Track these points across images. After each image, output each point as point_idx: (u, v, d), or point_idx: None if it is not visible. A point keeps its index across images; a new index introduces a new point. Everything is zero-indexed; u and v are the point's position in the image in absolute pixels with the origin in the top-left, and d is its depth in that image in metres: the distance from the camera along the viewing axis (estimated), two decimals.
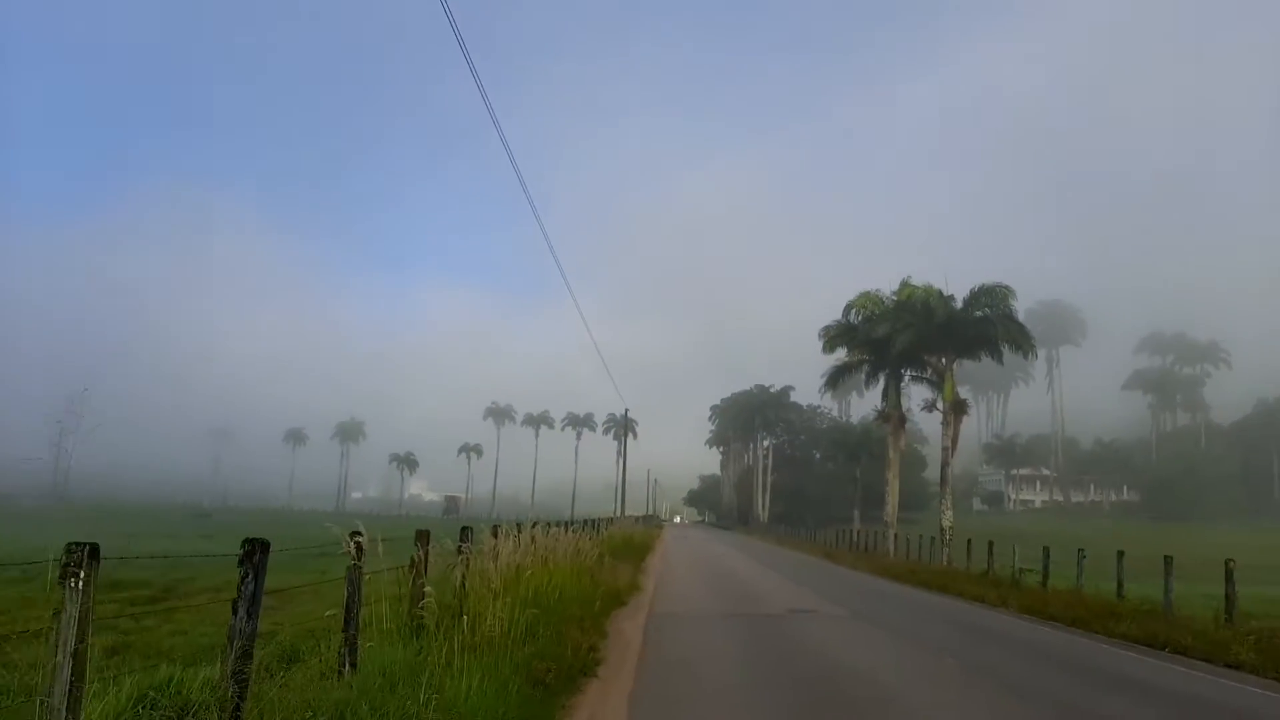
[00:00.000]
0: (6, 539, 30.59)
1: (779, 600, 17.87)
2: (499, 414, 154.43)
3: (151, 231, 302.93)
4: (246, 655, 4.47)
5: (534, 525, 12.52)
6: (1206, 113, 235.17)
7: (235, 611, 4.50)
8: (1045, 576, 20.56)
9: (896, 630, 13.59)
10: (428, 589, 7.64)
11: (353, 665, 6.04)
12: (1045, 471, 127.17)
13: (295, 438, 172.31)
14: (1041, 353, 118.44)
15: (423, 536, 8.02)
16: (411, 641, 6.76)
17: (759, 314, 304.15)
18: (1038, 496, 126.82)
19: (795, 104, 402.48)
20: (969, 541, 27.45)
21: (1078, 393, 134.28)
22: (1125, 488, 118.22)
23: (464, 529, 9.75)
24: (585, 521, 27.34)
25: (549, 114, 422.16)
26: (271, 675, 6.95)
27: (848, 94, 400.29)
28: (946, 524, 39.80)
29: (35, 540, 31.90)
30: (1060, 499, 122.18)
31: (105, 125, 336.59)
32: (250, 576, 4.52)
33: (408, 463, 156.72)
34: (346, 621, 6.16)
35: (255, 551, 4.56)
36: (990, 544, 24.67)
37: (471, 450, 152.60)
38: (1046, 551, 20.90)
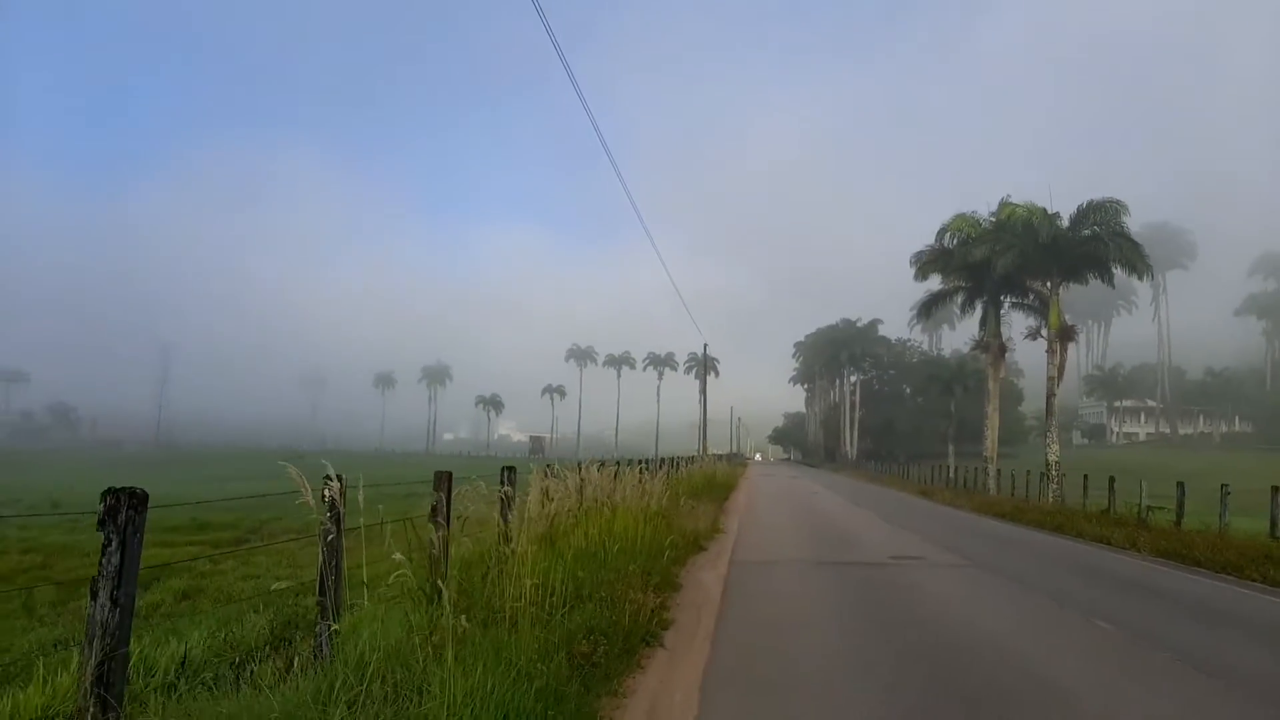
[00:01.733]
0: (98, 482, 31.03)
1: (878, 544, 16.04)
2: (580, 355, 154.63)
3: (236, 185, 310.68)
4: (115, 661, 2.96)
5: (594, 465, 10.93)
6: None
7: (93, 596, 2.99)
8: (1179, 514, 18.18)
9: (1024, 581, 11.61)
10: (442, 545, 6.12)
11: (325, 653, 4.59)
12: (1150, 403, 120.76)
13: (384, 381, 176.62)
14: (1147, 278, 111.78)
15: (443, 479, 6.49)
16: (424, 610, 5.27)
17: (845, 249, 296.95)
18: (1142, 429, 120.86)
19: (879, 31, 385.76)
20: (1085, 477, 24.98)
21: (1186, 320, 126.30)
22: (1237, 418, 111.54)
23: (505, 468, 8.22)
24: (662, 460, 25.84)
25: (626, 56, 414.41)
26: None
27: (936, 16, 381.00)
28: (1053, 458, 37.13)
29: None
30: (1167, 431, 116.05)
31: (180, 79, 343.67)
32: (114, 545, 2.98)
33: (494, 404, 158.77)
34: (320, 597, 4.70)
35: (121, 507, 3.00)
36: (1111, 479, 22.22)
37: (555, 391, 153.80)
38: (1181, 486, 18.45)
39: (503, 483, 8.02)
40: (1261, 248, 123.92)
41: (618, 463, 12.06)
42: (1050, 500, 30.19)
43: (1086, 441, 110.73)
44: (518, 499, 8.37)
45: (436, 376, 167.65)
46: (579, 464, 10.83)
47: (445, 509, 6.40)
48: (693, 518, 16.56)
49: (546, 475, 9.55)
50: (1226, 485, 16.86)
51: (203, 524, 24.60)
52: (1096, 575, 12.61)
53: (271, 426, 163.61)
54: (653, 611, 7.65)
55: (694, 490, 25.21)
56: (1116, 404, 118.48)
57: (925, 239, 45.70)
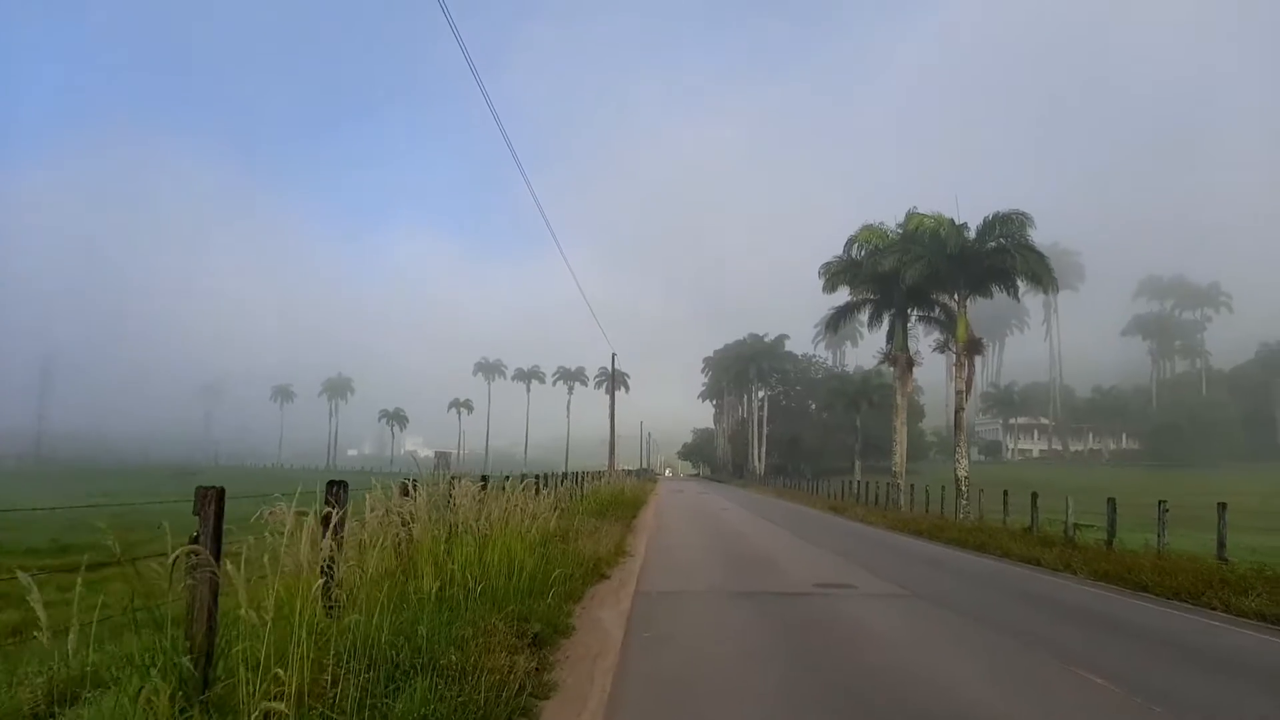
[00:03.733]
0: None
1: (801, 569, 14.40)
2: (489, 369, 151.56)
3: (127, 187, 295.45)
4: None
5: (461, 480, 8.86)
6: (1204, 45, 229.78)
7: None
8: (1111, 534, 17.14)
9: (973, 616, 10.01)
10: (201, 598, 4.07)
11: None
12: (1043, 420, 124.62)
13: (282, 394, 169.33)
14: (1038, 298, 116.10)
15: (207, 497, 4.42)
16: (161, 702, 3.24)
17: (751, 266, 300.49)
18: (1035, 446, 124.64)
19: (782, 51, 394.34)
20: (1005, 494, 24.04)
21: (1076, 340, 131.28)
22: (1124, 436, 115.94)
23: (331, 483, 6.16)
24: (564, 475, 23.85)
25: (534, 71, 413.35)
26: None
27: (839, 35, 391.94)
28: (962, 473, 36.55)
29: None
30: (1059, 448, 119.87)
31: (76, 69, 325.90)
32: None
33: (398, 419, 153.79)
34: None
35: None
36: (1034, 496, 21.20)
37: (461, 406, 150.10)
38: (1112, 504, 17.40)
39: (330, 497, 5.97)
40: (1145, 269, 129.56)
41: (484, 478, 10.02)
42: (962, 516, 29.36)
43: (984, 458, 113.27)
44: (353, 526, 6.33)
45: (338, 390, 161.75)
46: (445, 478, 8.73)
47: (212, 542, 4.34)
48: (595, 540, 14.63)
49: (405, 491, 7.51)
50: (1164, 503, 15.84)
51: (65, 546, 21.41)
52: (1049, 607, 11.16)
53: (162, 441, 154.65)
54: (526, 677, 5.69)
55: (600, 508, 23.32)
56: (1012, 421, 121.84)
57: (834, 253, 45.19)
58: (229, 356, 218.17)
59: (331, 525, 5.98)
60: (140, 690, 3.57)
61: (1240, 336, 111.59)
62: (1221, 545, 14.17)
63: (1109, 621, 10.02)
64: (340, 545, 5.94)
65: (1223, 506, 14.38)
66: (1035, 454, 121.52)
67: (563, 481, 21.79)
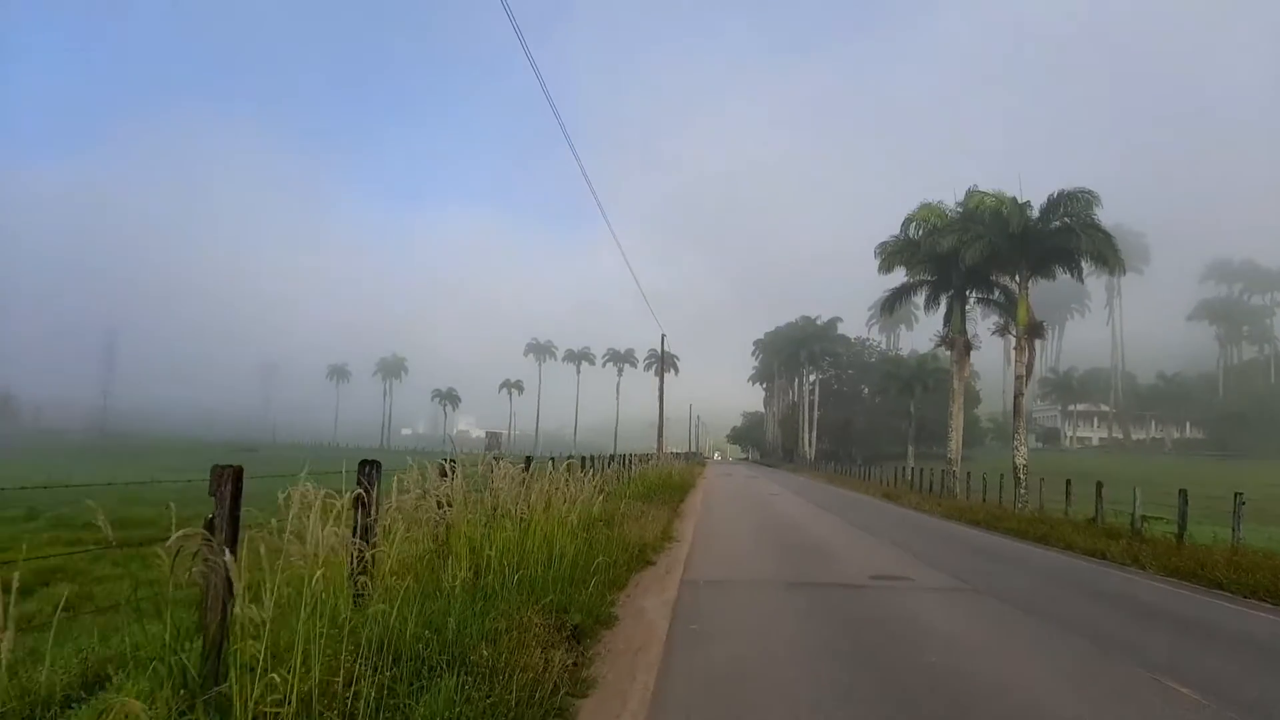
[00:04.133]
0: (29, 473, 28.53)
1: (855, 558, 13.90)
2: (540, 350, 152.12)
3: (185, 163, 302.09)
4: None
5: (500, 461, 8.51)
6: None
7: None
8: (1182, 527, 16.28)
9: (1040, 613, 9.41)
10: (215, 589, 3.78)
11: None
12: (1103, 407, 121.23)
13: (338, 374, 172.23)
14: (1101, 281, 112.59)
15: (224, 476, 4.13)
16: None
17: (808, 248, 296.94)
18: (1095, 433, 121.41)
19: (840, 32, 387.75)
20: (1067, 483, 23.15)
21: (1139, 324, 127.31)
22: (1188, 424, 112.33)
23: (364, 463, 5.87)
24: (611, 458, 23.56)
25: (587, 51, 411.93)
26: None
27: (897, 16, 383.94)
28: (1021, 461, 35.50)
29: (51, 474, 29.53)
30: (1119, 436, 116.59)
31: (131, 56, 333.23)
32: None
33: (450, 399, 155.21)
34: None
35: None
36: (1099, 485, 20.34)
37: (513, 386, 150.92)
38: (1183, 495, 16.52)
39: (359, 484, 5.68)
40: (1213, 252, 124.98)
41: (527, 459, 9.72)
42: (1020, 506, 28.45)
43: (1041, 445, 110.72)
44: (389, 508, 6.04)
45: (392, 370, 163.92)
46: (486, 458, 8.41)
47: (228, 526, 4.05)
48: (640, 525, 14.29)
49: (443, 474, 7.20)
50: (1241, 495, 14.98)
51: (122, 520, 21.74)
52: (1121, 604, 10.52)
53: (222, 417, 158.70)
54: (562, 674, 5.35)
55: (647, 491, 23.01)
56: (1070, 408, 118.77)
57: (890, 234, 44.14)
58: (288, 337, 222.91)
59: (359, 509, 5.71)
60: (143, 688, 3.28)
61: None
62: None
63: (1188, 623, 9.37)
64: (370, 530, 5.66)
65: None
66: (1095, 442, 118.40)
67: (609, 464, 21.48)
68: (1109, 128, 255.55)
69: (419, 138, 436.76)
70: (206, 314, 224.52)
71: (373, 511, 5.84)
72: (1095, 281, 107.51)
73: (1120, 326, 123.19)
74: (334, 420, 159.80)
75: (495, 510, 7.47)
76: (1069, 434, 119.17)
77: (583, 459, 15.90)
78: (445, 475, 7.18)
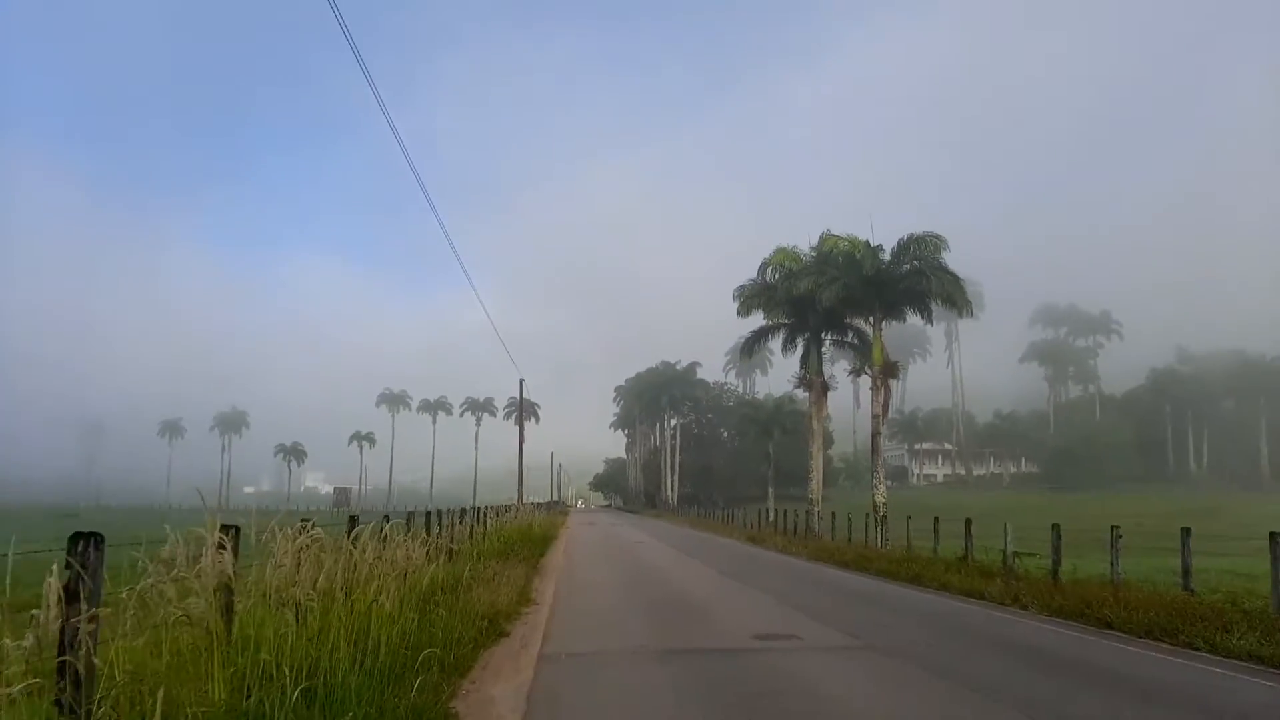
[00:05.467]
0: None
1: (733, 613, 12.60)
2: (393, 400, 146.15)
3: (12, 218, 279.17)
4: None
5: (287, 529, 6.59)
6: (1094, 91, 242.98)
7: None
8: (1057, 563, 15.92)
9: (951, 675, 8.20)
10: None
11: None
12: (947, 445, 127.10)
13: (171, 429, 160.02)
14: (940, 326, 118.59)
15: None
16: None
17: (666, 296, 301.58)
18: (939, 470, 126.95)
19: (691, 90, 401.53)
20: (935, 520, 22.82)
21: (976, 367, 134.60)
22: (1024, 460, 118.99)
23: (76, 537, 4.09)
24: (462, 511, 21.60)
25: (445, 101, 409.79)
26: None
27: (748, 76, 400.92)
28: (880, 499, 35.70)
29: None
30: (962, 472, 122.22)
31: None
32: None
33: (295, 454, 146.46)
34: None
35: None
36: (968, 522, 20.01)
37: (364, 439, 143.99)
38: (1056, 530, 16.17)
39: (69, 566, 3.90)
40: (1040, 298, 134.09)
41: (352, 519, 7.88)
42: (883, 544, 28.16)
43: (891, 483, 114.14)
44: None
45: (232, 424, 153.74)
46: (271, 525, 6.53)
47: None
48: (493, 588, 12.57)
49: (222, 546, 5.40)
50: (1117, 528, 14.66)
51: None
52: (1028, 657, 9.54)
53: (43, 481, 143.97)
54: None
55: (504, 547, 21.17)
56: (917, 446, 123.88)
57: (748, 278, 44.26)
58: (114, 393, 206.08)
59: (66, 603, 3.93)
60: None
61: (1131, 363, 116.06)
62: (1187, 574, 12.95)
63: (1111, 678, 8.45)
64: (75, 636, 3.87)
65: (1186, 532, 13.23)
66: (940, 479, 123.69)
67: (461, 518, 19.57)
68: (952, 181, 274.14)
69: (261, 180, 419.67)
70: (18, 372, 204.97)
71: (90, 605, 4.06)
72: (935, 327, 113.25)
73: (959, 369, 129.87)
74: (165, 480, 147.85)
75: (267, 597, 5.64)
76: (916, 472, 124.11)
77: (428, 514, 14.07)
78: (223, 547, 5.41)
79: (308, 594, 5.67)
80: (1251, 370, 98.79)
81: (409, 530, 12.09)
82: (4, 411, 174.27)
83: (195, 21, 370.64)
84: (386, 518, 10.20)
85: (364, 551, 7.09)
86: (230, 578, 4.97)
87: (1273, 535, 10.72)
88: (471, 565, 13.57)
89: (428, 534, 12.96)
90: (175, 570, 4.59)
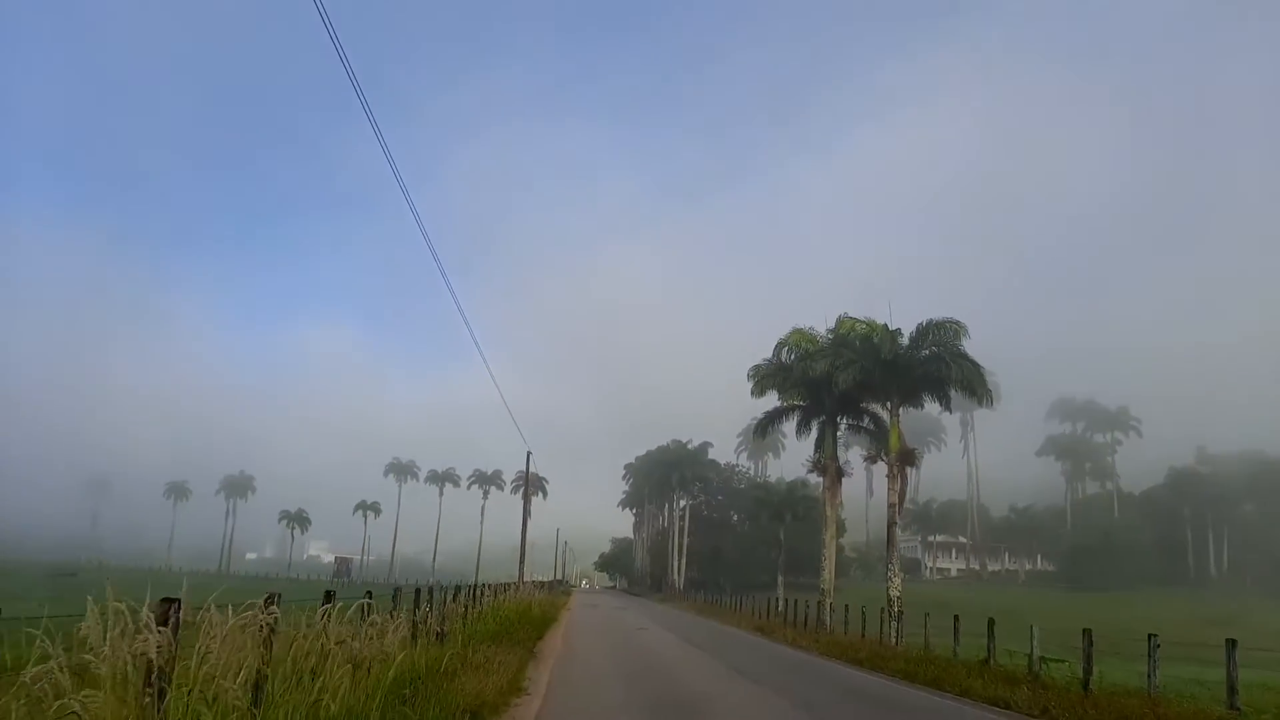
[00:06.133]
0: None
1: (740, 718, 11.61)
2: (401, 470, 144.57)
3: (23, 272, 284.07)
4: None
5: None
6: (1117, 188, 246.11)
7: None
8: (1088, 671, 14.82)
9: None
10: None
11: None
12: (961, 539, 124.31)
13: (177, 491, 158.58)
14: (955, 416, 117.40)
15: None
16: None
17: (677, 378, 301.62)
18: (953, 564, 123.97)
19: (712, 182, 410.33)
20: (955, 619, 21.62)
21: (992, 459, 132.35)
22: (1039, 556, 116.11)
23: None
24: (457, 589, 20.64)
25: (462, 181, 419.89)
26: None
27: (762, 161, 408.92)
28: (895, 593, 34.49)
29: None
30: (976, 567, 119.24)
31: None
32: None
33: (299, 520, 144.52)
34: None
35: None
36: (991, 623, 18.89)
37: (369, 508, 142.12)
38: (1088, 636, 15.09)
39: None
40: (1058, 392, 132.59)
41: (369, 597, 7.02)
42: (897, 640, 26.83)
43: (904, 575, 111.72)
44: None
45: (238, 488, 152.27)
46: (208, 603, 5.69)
47: None
48: (483, 674, 11.65)
49: (162, 623, 4.68)
50: (1155, 636, 13.63)
51: None
52: None
53: (44, 538, 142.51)
54: None
55: (500, 629, 20.16)
56: (931, 538, 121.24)
57: (763, 357, 43.77)
58: (121, 452, 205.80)
59: None
60: None
61: (1149, 461, 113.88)
62: (1233, 691, 11.87)
63: None
64: None
65: (1232, 644, 12.18)
66: (953, 573, 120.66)
67: (455, 595, 18.62)
68: (970, 271, 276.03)
69: (278, 251, 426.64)
70: (25, 425, 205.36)
71: None
72: (950, 417, 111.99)
73: (975, 460, 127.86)
74: (168, 541, 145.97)
75: (205, 694, 4.79)
76: (929, 565, 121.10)
77: (417, 591, 13.23)
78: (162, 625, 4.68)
79: (233, 693, 4.86)
80: (1272, 472, 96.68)
81: (395, 608, 11.29)
82: (9, 464, 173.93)
83: (220, 86, 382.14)
84: (369, 593, 9.44)
85: (316, 638, 6.25)
86: (161, 664, 4.23)
87: None
88: (460, 649, 12.66)
89: (416, 612, 12.11)
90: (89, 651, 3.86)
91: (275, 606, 6.20)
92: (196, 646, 4.78)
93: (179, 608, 5.12)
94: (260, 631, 5.93)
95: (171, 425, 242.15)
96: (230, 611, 5.27)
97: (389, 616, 9.21)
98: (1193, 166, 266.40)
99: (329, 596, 7.91)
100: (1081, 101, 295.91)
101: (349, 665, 6.42)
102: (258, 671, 5.20)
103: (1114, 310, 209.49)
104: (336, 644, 6.44)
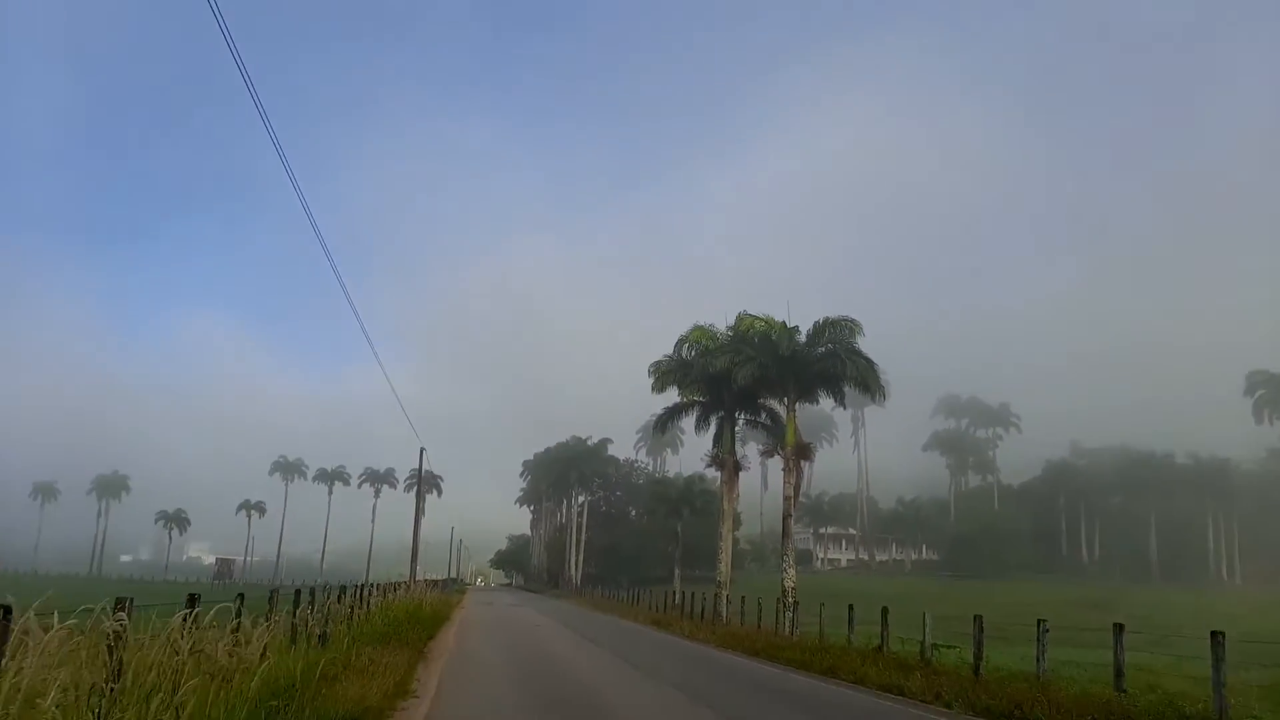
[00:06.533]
0: None
1: (638, 715, 11.27)
2: (288, 469, 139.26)
3: None
4: None
5: None
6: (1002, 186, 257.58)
7: None
8: (978, 656, 15.10)
9: None
10: None
11: None
12: (851, 530, 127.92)
13: (45, 492, 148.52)
14: (848, 412, 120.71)
15: None
16: None
17: (574, 374, 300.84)
18: (843, 555, 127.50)
19: (615, 182, 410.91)
20: (850, 608, 21.87)
21: (881, 454, 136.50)
22: (924, 546, 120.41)
23: None
24: (343, 589, 19.70)
25: (356, 171, 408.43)
26: None
27: (666, 160, 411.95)
28: (790, 583, 34.98)
29: None
30: (865, 557, 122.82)
31: None
32: None
33: (178, 521, 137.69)
34: None
35: None
36: (884, 611, 19.15)
37: (253, 508, 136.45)
38: (979, 622, 15.38)
39: None
40: (942, 389, 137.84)
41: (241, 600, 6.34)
42: (792, 630, 27.08)
43: (797, 566, 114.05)
44: None
45: (111, 488, 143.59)
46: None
47: None
48: (365, 679, 10.99)
49: None
50: (1044, 621, 13.95)
51: None
52: None
53: None
54: None
55: (389, 629, 19.34)
56: (822, 530, 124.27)
57: (664, 353, 43.73)
58: None
59: None
60: None
61: (1028, 455, 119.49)
62: (1119, 674, 12.19)
63: None
64: None
65: (1119, 628, 12.53)
66: (844, 563, 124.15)
67: (340, 596, 17.74)
68: (865, 271, 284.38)
69: (154, 242, 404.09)
70: None
71: None
72: (841, 414, 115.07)
73: (865, 455, 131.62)
74: (34, 544, 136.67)
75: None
76: (820, 556, 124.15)
77: (297, 592, 12.42)
78: None
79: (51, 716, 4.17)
80: (1139, 465, 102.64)
81: (272, 610, 10.52)
82: None
83: (102, 76, 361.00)
84: (241, 595, 8.70)
85: (163, 649, 5.54)
86: None
87: (1214, 635, 10.12)
88: (343, 652, 11.94)
89: (295, 615, 11.32)
90: None
91: (124, 612, 5.50)
92: (1, 663, 4.08)
93: (7, 614, 4.44)
94: (106, 641, 5.25)
95: (38, 422, 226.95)
96: (56, 619, 4.57)
97: (261, 620, 8.49)
98: (1081, 175, 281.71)
99: (192, 600, 7.19)
100: (970, 106, 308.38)
101: (205, 677, 5.72)
102: (91, 689, 4.51)
103: (998, 310, 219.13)
104: (191, 654, 5.73)
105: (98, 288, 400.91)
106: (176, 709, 4.75)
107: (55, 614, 4.72)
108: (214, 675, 5.92)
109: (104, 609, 5.17)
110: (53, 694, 4.12)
